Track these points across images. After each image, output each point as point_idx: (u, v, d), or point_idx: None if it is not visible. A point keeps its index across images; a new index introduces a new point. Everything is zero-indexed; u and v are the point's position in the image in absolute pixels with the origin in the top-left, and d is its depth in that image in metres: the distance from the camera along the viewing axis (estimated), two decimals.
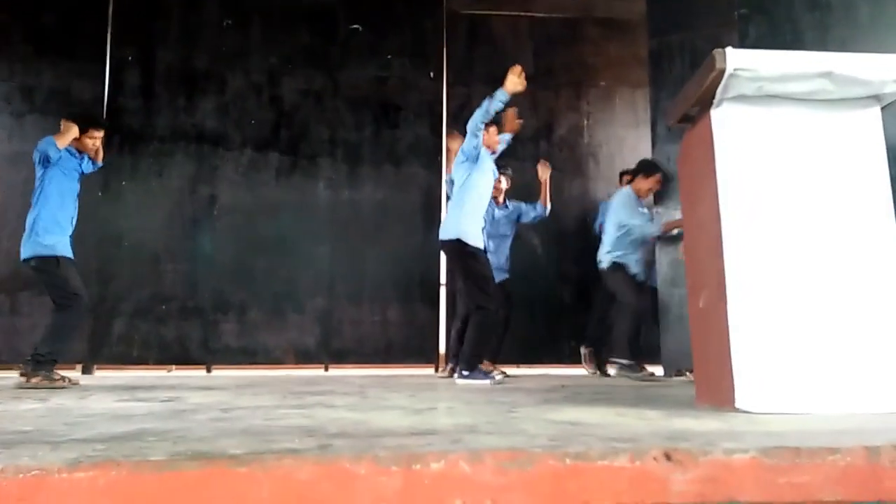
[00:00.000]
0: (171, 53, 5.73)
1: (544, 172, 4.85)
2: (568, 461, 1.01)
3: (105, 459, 1.12)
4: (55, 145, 3.66)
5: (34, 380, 3.42)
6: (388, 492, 1.00)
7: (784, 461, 1.02)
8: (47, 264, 3.67)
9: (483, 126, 3.79)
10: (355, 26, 5.95)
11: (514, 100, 5.54)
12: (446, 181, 4.87)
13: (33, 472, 0.99)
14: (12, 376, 3.77)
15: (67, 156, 3.77)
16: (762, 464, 1.02)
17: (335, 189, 5.70)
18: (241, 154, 5.65)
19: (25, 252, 3.68)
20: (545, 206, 4.87)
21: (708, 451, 1.03)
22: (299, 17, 5.90)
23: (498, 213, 4.78)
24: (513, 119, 4.16)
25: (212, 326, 5.40)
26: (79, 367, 5.19)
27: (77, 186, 3.87)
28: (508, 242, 4.90)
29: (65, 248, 3.75)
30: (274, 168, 5.68)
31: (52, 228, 3.68)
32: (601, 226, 4.95)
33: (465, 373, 3.60)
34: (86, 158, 3.90)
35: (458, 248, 3.75)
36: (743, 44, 3.77)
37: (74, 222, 3.84)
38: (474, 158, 3.83)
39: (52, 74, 5.51)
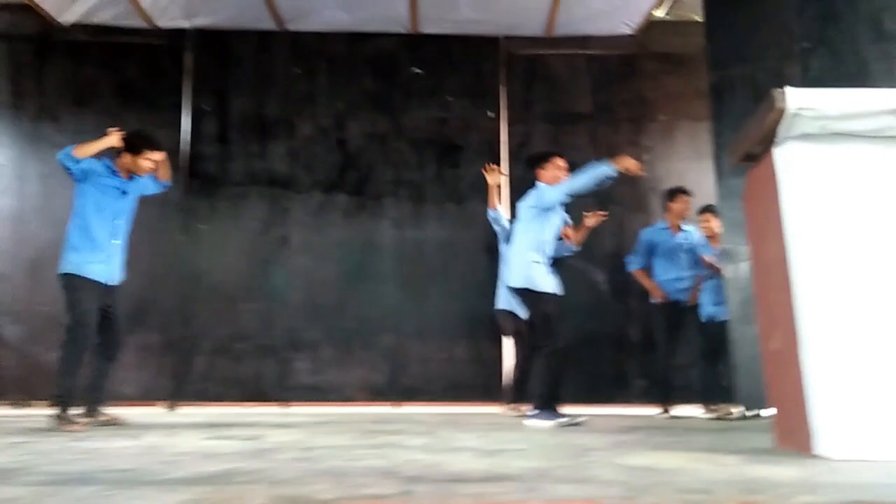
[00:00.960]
0: (244, 102, 6.06)
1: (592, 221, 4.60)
2: None
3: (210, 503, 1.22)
4: (71, 156, 3.38)
5: (70, 426, 3.19)
6: None
7: None
8: (66, 281, 3.41)
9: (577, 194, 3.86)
10: (416, 70, 6.16)
11: (573, 141, 5.65)
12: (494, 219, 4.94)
13: None
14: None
15: (103, 171, 3.52)
16: None
17: (400, 228, 5.87)
18: (311, 196, 5.89)
19: (58, 268, 3.47)
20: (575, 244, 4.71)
21: None
22: (363, 63, 6.15)
23: None
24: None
25: (286, 364, 5.60)
26: (163, 403, 5.46)
27: (120, 205, 3.58)
28: None
29: (90, 269, 3.44)
30: (341, 209, 5.88)
31: (79, 245, 3.45)
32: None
33: (533, 412, 3.57)
34: (144, 179, 3.68)
35: (526, 294, 3.77)
36: (806, 77, 3.72)
37: (119, 244, 3.57)
38: (545, 212, 3.86)
39: (136, 125, 5.87)
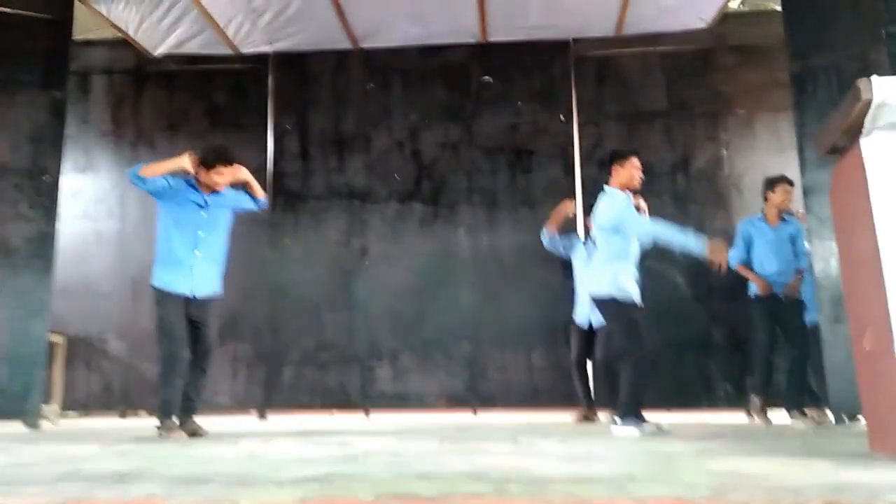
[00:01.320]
0: (322, 119, 6.31)
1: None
2: None
3: (325, 497, 1.33)
4: (138, 176, 3.45)
5: (173, 434, 3.34)
6: None
7: None
8: (154, 294, 3.51)
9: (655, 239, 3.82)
10: (487, 78, 6.24)
11: (648, 139, 5.57)
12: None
13: None
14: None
15: (182, 186, 3.56)
16: None
17: (475, 235, 5.96)
18: (388, 207, 6.07)
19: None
20: None
21: (872, 503, 1.05)
22: (434, 75, 6.29)
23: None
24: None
25: (368, 373, 5.79)
26: (254, 411, 5.75)
27: (200, 218, 3.58)
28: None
29: (170, 281, 3.50)
30: (417, 218, 6.03)
31: (161, 259, 3.54)
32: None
33: (619, 420, 3.55)
34: (231, 193, 3.70)
35: (608, 302, 3.74)
36: (893, 64, 3.54)
37: (203, 256, 3.57)
38: (622, 232, 3.80)
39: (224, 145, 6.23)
